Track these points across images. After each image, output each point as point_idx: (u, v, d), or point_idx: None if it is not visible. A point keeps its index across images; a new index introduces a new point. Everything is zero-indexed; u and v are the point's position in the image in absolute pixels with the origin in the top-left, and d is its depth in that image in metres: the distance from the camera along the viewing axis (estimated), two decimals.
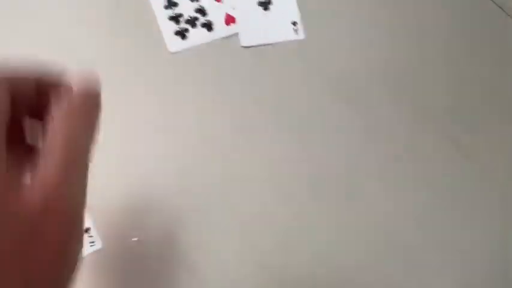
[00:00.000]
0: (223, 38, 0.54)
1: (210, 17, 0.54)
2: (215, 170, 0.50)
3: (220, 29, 0.54)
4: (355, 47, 0.54)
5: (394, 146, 0.52)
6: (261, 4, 0.55)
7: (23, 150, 0.26)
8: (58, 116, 0.25)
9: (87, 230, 0.46)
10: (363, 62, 0.54)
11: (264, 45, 0.54)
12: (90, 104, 0.26)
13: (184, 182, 0.49)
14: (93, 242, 0.46)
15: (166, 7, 0.54)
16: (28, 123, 0.27)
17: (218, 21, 0.54)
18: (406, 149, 0.52)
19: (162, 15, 0.54)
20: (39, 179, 0.23)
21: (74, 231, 0.24)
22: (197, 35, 0.54)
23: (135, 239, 0.47)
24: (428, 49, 0.55)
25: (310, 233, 0.49)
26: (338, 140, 0.52)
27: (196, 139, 0.51)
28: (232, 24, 0.54)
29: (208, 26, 0.54)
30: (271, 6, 0.55)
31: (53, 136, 0.24)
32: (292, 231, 0.49)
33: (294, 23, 0.55)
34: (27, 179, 0.24)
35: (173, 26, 0.54)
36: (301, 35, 0.55)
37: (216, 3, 0.55)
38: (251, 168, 0.50)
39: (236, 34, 0.54)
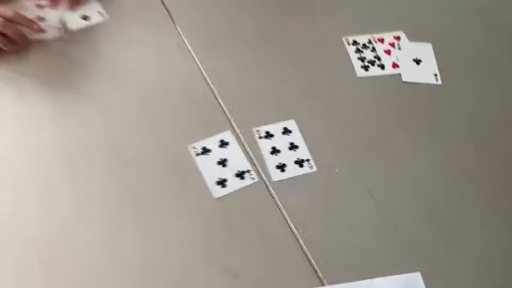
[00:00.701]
0: (391, 75, 0.85)
1: (383, 61, 0.86)
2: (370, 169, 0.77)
3: (389, 69, 0.86)
4: (483, 94, 0.84)
5: None
6: (415, 61, 0.87)
7: None
8: None
9: (308, 160, 0.73)
10: (488, 105, 0.83)
11: (416, 83, 0.85)
12: None
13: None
14: (311, 167, 0.72)
15: (356, 51, 0.87)
16: None
17: (388, 64, 0.86)
18: None
19: (354, 56, 0.86)
20: None
21: None
22: (375, 70, 0.85)
23: (336, 170, 0.73)
24: None
25: None
26: (469, 169, 0.78)
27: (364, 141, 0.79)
28: (396, 68, 0.86)
29: (382, 66, 0.86)
30: (421, 63, 0.87)
31: None
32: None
33: (435, 74, 0.86)
34: None
35: (360, 63, 0.86)
36: (439, 82, 0.85)
37: (387, 55, 0.87)
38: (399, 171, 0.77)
39: (399, 74, 0.85)
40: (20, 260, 0.62)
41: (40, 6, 0.84)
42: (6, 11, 0.79)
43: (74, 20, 0.84)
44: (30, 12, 0.83)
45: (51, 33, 0.82)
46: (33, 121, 0.74)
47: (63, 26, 0.83)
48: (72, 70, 0.80)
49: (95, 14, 0.85)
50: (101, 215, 0.67)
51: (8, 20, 0.78)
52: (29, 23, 0.80)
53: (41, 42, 0.81)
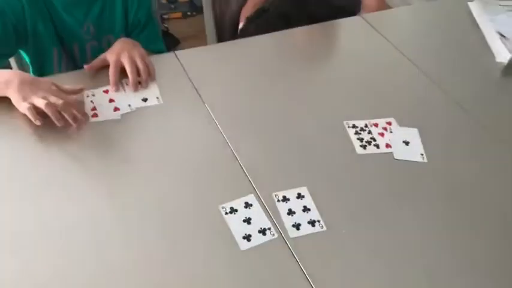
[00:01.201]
0: (384, 153, 1.01)
1: (377, 142, 1.03)
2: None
3: (383, 148, 1.02)
4: (462, 170, 1.00)
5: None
6: (404, 142, 1.04)
7: None
8: None
9: (318, 221, 0.86)
10: (466, 179, 0.99)
11: (406, 160, 1.01)
12: None
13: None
14: (322, 226, 0.86)
15: (355, 133, 1.04)
16: None
17: (382, 144, 1.03)
18: None
19: (354, 137, 1.03)
20: None
21: None
22: (371, 149, 1.02)
23: (344, 231, 0.86)
24: None
25: None
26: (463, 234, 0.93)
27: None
28: (389, 147, 1.03)
29: (377, 146, 1.02)
30: (410, 144, 1.04)
31: None
32: None
33: (422, 154, 1.03)
34: None
35: (359, 142, 1.02)
36: (425, 160, 1.02)
37: (381, 137, 1.04)
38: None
39: (391, 152, 1.02)
40: None
41: (106, 92, 1.03)
42: (66, 97, 0.96)
43: (135, 102, 1.02)
44: (99, 97, 1.01)
45: (125, 109, 1.00)
46: (87, 182, 0.89)
47: (128, 107, 1.01)
48: (124, 141, 0.97)
49: (153, 98, 1.03)
50: (142, 260, 0.79)
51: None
52: (73, 119, 0.95)
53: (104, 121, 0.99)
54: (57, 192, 0.87)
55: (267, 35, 1.28)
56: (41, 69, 1.17)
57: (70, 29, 1.16)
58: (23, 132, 0.96)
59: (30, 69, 1.19)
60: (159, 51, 1.24)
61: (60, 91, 0.97)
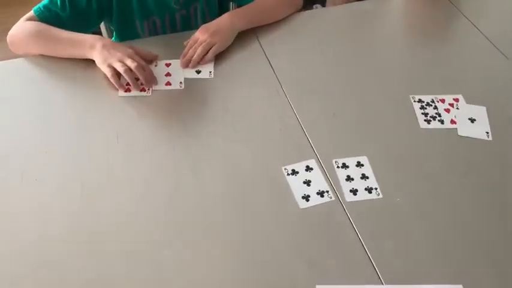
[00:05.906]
0: (448, 129, 1.03)
1: (442, 118, 1.04)
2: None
3: (448, 124, 1.03)
4: None
5: None
6: (470, 119, 1.05)
7: None
8: None
9: (376, 188, 0.91)
10: None
11: (470, 137, 1.01)
12: None
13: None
14: (378, 194, 0.90)
15: (420, 108, 1.05)
16: None
17: (447, 120, 1.04)
18: None
19: (418, 111, 1.05)
20: None
21: None
22: (436, 124, 1.03)
23: (398, 199, 0.90)
24: None
25: None
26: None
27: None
28: (454, 124, 1.04)
29: (441, 121, 1.04)
30: (475, 122, 1.04)
31: None
32: None
33: (487, 132, 1.03)
34: None
35: (423, 117, 1.04)
36: (490, 138, 1.02)
37: (446, 113, 1.05)
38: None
39: (455, 129, 1.03)
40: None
41: (167, 65, 1.11)
42: (140, 60, 1.06)
43: (188, 73, 1.10)
44: (160, 68, 1.10)
45: (175, 85, 1.08)
46: (148, 140, 0.99)
47: (179, 84, 1.08)
48: (186, 110, 1.05)
49: (206, 72, 1.11)
50: (207, 212, 0.88)
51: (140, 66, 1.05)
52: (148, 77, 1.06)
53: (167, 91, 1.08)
54: (127, 148, 0.98)
55: (340, 6, 1.30)
56: (125, 39, 1.26)
57: (163, 1, 1.22)
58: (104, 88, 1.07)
59: (114, 37, 1.29)
60: None
61: (136, 54, 1.07)
